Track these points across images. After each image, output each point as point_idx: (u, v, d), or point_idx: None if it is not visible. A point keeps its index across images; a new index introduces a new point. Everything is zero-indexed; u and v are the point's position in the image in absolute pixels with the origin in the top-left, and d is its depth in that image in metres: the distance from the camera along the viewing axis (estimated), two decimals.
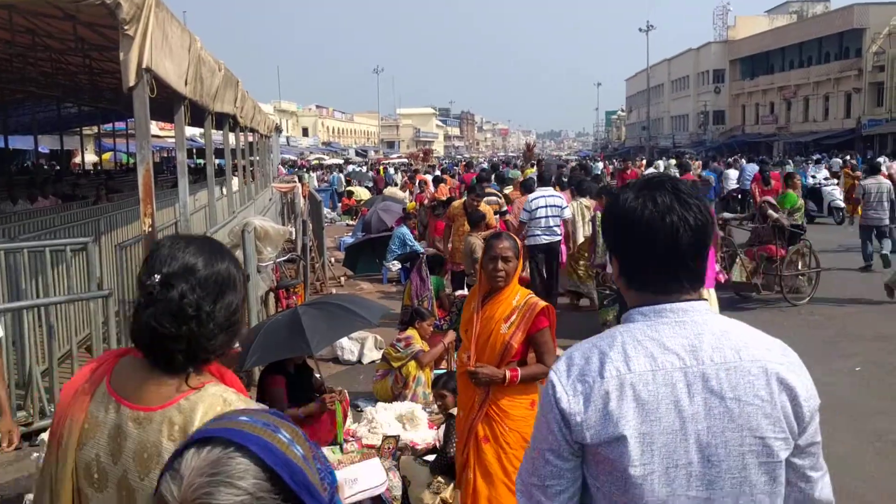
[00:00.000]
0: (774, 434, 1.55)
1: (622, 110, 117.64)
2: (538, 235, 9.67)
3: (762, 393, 1.54)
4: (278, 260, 8.10)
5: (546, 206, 9.70)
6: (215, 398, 1.58)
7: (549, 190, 10.26)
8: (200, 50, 8.37)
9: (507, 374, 3.65)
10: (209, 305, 1.58)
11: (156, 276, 1.58)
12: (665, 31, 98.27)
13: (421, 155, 46.90)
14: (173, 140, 12.01)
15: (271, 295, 8.22)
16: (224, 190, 14.11)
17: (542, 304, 3.76)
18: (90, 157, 34.28)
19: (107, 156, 34.23)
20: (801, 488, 1.63)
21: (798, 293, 10.34)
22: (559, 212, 9.82)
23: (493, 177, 16.31)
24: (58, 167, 29.27)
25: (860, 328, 8.99)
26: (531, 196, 9.99)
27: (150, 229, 6.38)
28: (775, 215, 10.24)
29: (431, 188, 17.44)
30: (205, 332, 1.57)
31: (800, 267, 10.55)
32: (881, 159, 21.84)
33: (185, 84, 7.80)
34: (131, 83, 6.17)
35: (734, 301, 10.31)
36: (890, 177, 14.59)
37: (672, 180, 1.69)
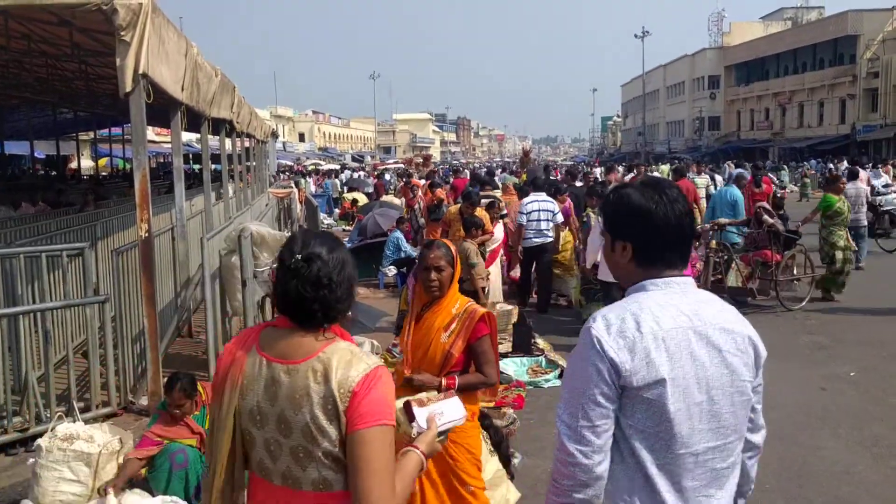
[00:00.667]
0: (749, 378, 2.04)
1: (618, 116, 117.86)
2: (530, 238, 10.27)
3: (743, 347, 2.04)
4: (275, 265, 8.08)
5: (539, 210, 10.28)
6: (344, 351, 2.08)
7: (543, 195, 10.65)
8: (197, 56, 8.39)
9: (444, 381, 3.52)
10: (336, 277, 2.09)
11: (297, 255, 2.10)
12: (660, 38, 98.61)
13: (420, 160, 46.84)
14: (170, 145, 12.01)
15: (268, 301, 8.20)
16: (220, 195, 14.12)
17: (482, 310, 3.67)
18: (86, 163, 34.24)
19: (103, 161, 34.20)
20: (752, 418, 2.13)
21: (795, 298, 10.36)
22: (550, 216, 10.35)
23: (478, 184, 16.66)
24: (54, 173, 29.25)
25: (856, 333, 9.00)
26: (525, 200, 10.55)
27: (146, 234, 6.39)
28: (770, 221, 10.27)
29: (421, 193, 17.44)
30: (334, 297, 2.09)
31: (795, 272, 10.58)
32: (811, 162, 26.62)
33: (182, 90, 7.81)
34: (128, 89, 6.20)
35: (730, 306, 10.31)
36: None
37: (665, 181, 2.17)
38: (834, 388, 7.04)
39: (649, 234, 2.05)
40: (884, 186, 20.87)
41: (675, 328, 1.96)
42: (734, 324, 2.07)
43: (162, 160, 38.69)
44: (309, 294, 2.06)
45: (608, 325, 1.95)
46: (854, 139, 52.75)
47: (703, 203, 15.57)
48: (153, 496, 4.33)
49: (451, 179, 19.89)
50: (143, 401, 6.41)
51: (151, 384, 6.30)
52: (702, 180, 18.81)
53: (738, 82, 71.35)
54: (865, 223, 13.67)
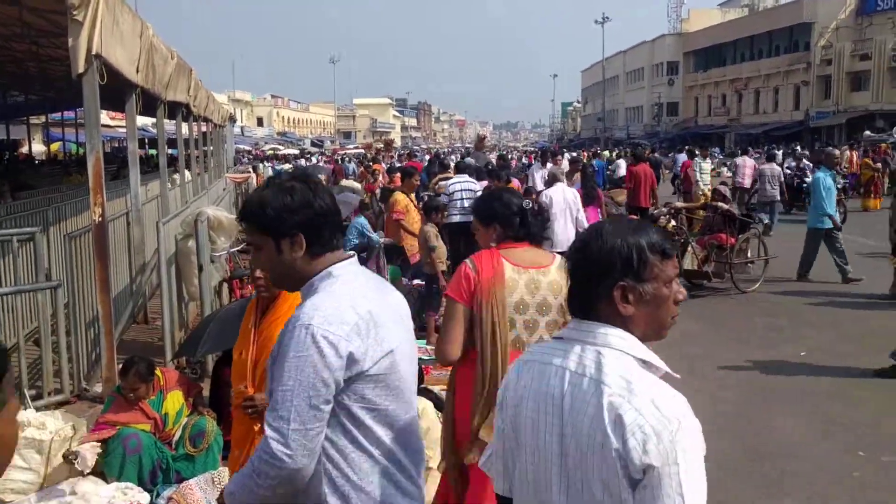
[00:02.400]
0: None
1: (578, 102, 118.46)
2: (454, 215, 10.61)
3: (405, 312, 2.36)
4: (232, 250, 8.01)
5: (462, 190, 10.87)
6: (561, 259, 3.21)
7: (465, 177, 11.39)
8: (152, 37, 8.23)
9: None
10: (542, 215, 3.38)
11: (523, 202, 3.31)
12: (621, 24, 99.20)
13: (381, 146, 46.54)
14: (124, 130, 11.79)
15: (225, 285, 8.13)
16: (177, 180, 13.91)
17: None
18: (38, 147, 33.48)
19: (55, 146, 33.49)
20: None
21: (750, 281, 10.54)
22: (472, 195, 10.72)
23: (437, 165, 17.15)
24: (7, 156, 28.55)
25: (809, 315, 9.18)
26: (449, 182, 11.54)
27: (100, 219, 6.27)
28: (725, 207, 10.45)
29: (381, 178, 17.40)
30: (544, 227, 3.44)
31: (749, 255, 10.77)
32: (779, 151, 28.82)
33: (137, 72, 7.66)
34: (80, 70, 6.05)
35: (686, 289, 10.48)
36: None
37: (305, 174, 2.28)
38: (787, 368, 7.18)
39: (317, 224, 2.07)
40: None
41: (377, 301, 2.06)
42: (392, 291, 2.27)
43: (117, 145, 37.97)
44: (537, 226, 3.27)
45: (328, 318, 1.93)
46: (808, 125, 53.73)
47: (707, 188, 16.28)
48: (107, 482, 4.29)
49: (405, 162, 20.03)
50: (98, 388, 6.31)
51: (106, 371, 6.20)
52: (708, 164, 18.61)
53: (696, 69, 72.15)
54: (778, 197, 16.91)
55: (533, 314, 3.07)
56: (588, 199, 10.78)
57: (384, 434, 2.03)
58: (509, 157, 30.16)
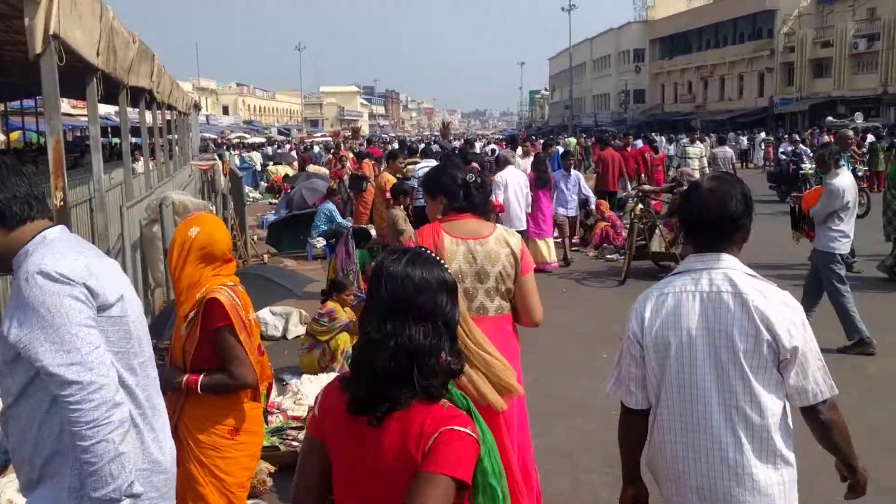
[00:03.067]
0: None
1: (546, 90, 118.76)
2: (419, 198, 10.84)
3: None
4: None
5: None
6: (500, 228, 3.41)
7: (432, 162, 11.63)
8: (113, 20, 8.06)
9: (184, 378, 3.01)
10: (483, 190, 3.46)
11: (470, 174, 3.47)
12: (587, 11, 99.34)
13: (349, 133, 46.21)
14: (86, 119, 11.56)
15: None
16: (140, 167, 13.71)
17: (219, 297, 2.98)
18: None
19: (15, 135, 32.80)
20: None
21: None
22: None
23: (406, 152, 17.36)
24: None
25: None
26: (416, 166, 12.13)
27: (61, 203, 6.15)
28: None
29: (349, 165, 17.34)
30: (487, 198, 3.50)
31: None
32: (730, 134, 31.21)
33: (98, 55, 7.51)
34: (38, 50, 5.90)
35: (654, 271, 10.60)
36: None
37: None
38: None
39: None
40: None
41: (96, 255, 2.24)
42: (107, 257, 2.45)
43: (79, 134, 37.32)
44: (480, 199, 3.46)
45: (56, 262, 2.06)
46: (772, 112, 54.43)
47: (697, 174, 15.32)
48: None
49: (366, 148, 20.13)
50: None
51: None
52: (695, 150, 17.55)
53: (662, 56, 72.69)
54: None
55: (472, 282, 3.26)
56: (540, 183, 10.92)
57: (131, 381, 2.17)
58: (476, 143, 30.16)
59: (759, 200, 18.09)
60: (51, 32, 5.79)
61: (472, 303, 3.26)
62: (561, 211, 11.97)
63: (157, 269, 7.26)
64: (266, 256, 12.54)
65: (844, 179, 7.06)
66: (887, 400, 5.97)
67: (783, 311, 2.30)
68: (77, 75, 7.80)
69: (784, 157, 20.70)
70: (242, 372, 2.96)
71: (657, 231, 10.53)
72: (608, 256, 12.26)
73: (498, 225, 3.51)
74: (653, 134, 24.46)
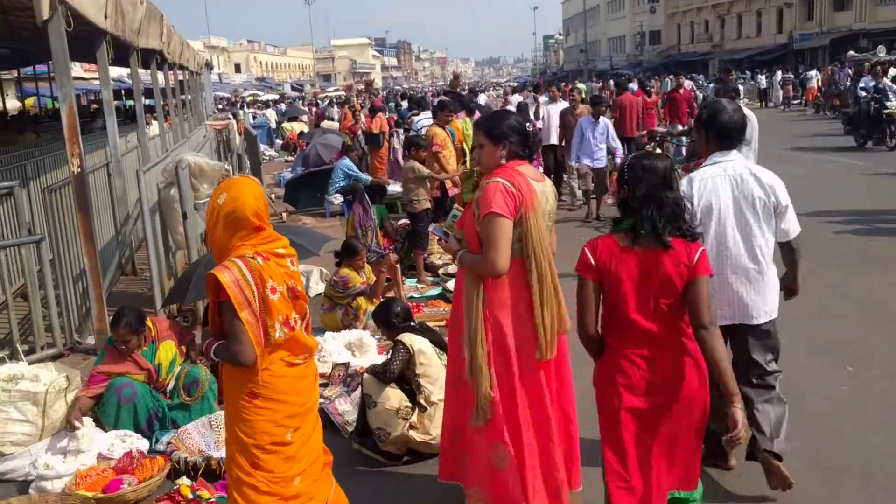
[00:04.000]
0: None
1: (559, 34, 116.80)
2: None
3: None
4: None
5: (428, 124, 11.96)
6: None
7: (428, 113, 12.66)
8: None
9: (206, 343, 3.18)
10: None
11: (528, 123, 3.71)
12: None
13: (362, 87, 45.73)
14: (98, 81, 11.53)
15: None
16: (155, 129, 13.71)
17: (215, 271, 2.93)
18: (12, 103, 32.84)
19: (30, 101, 32.84)
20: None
21: None
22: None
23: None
24: None
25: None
26: (416, 118, 12.92)
27: (78, 170, 6.18)
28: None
29: (364, 121, 17.20)
30: (532, 141, 3.73)
31: None
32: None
33: (105, 17, 7.46)
34: (45, 16, 5.88)
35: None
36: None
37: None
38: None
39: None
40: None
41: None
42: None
43: (92, 98, 37.26)
44: (534, 148, 3.67)
45: None
46: (791, 48, 53.23)
47: None
48: (105, 431, 4.31)
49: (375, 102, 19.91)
50: (90, 340, 6.31)
51: (97, 322, 6.19)
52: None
53: None
54: None
55: (547, 220, 3.48)
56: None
57: None
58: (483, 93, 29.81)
59: (830, 148, 16.89)
60: None
61: (550, 238, 3.51)
62: (586, 161, 10.98)
63: (176, 232, 7.30)
64: (284, 215, 12.56)
65: None
66: None
67: (778, 182, 3.76)
68: (87, 39, 7.75)
69: (864, 93, 17.04)
70: (235, 349, 2.91)
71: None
72: None
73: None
74: (680, 77, 22.53)
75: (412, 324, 4.60)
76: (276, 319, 2.95)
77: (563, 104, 13.03)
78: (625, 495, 2.96)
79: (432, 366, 4.24)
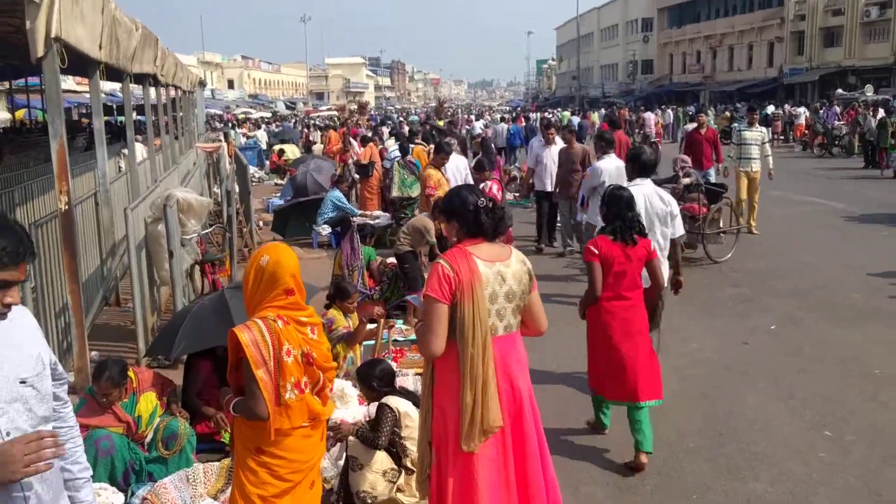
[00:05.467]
0: None
1: (553, 59, 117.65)
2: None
3: None
4: (203, 232, 7.92)
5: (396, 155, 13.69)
6: (515, 249, 3.58)
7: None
8: (115, 11, 8.01)
9: (227, 398, 3.33)
10: (500, 211, 3.53)
11: (481, 199, 3.45)
12: None
13: (355, 107, 45.72)
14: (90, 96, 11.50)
15: (196, 268, 8.06)
16: (144, 151, 13.67)
17: (236, 330, 3.16)
18: (3, 115, 32.78)
19: (20, 113, 32.79)
20: None
21: (722, 251, 10.62)
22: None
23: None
24: None
25: (780, 284, 9.30)
26: (390, 148, 14.31)
27: (66, 207, 6.16)
28: (686, 181, 10.53)
29: (356, 149, 17.24)
30: (504, 222, 3.59)
31: (721, 225, 10.84)
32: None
33: (100, 48, 7.47)
34: (40, 54, 5.88)
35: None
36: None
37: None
38: (755, 342, 7.28)
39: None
40: None
41: None
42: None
43: (84, 111, 37.22)
44: (498, 221, 3.46)
45: None
46: (782, 82, 53.85)
47: (756, 167, 12.40)
48: None
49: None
50: (70, 377, 6.25)
51: (77, 360, 6.14)
52: (755, 134, 12.69)
53: (670, 25, 71.81)
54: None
55: (502, 303, 3.40)
56: (479, 168, 10.89)
57: None
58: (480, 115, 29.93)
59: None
60: (52, 35, 5.78)
61: (502, 321, 3.41)
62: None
63: (161, 268, 7.29)
64: None
65: None
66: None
67: (672, 200, 5.82)
68: (80, 60, 7.76)
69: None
70: (250, 404, 3.12)
71: None
72: None
73: (512, 248, 3.57)
74: (701, 116, 22.56)
75: (393, 388, 4.60)
76: (288, 381, 3.14)
77: (560, 145, 11.63)
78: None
79: (417, 428, 4.23)
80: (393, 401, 4.31)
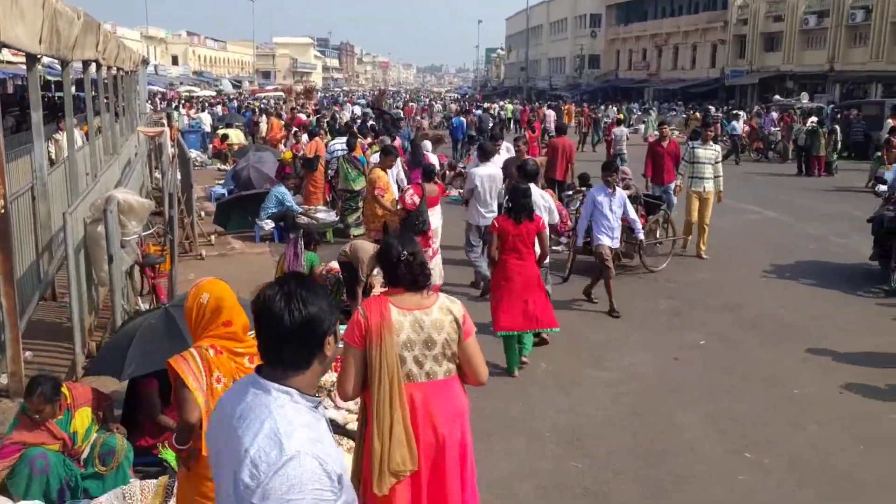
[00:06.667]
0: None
1: (502, 49, 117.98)
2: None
3: None
4: (144, 234, 7.83)
5: (339, 149, 14.25)
6: (443, 298, 3.59)
7: (343, 139, 14.59)
8: (56, 3, 7.83)
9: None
10: (422, 259, 3.63)
11: (404, 252, 3.55)
12: None
13: (300, 90, 45.18)
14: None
15: (136, 268, 7.96)
16: (87, 138, 13.36)
17: (170, 360, 3.44)
18: None
19: None
20: None
21: (658, 261, 10.88)
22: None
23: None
24: None
25: (713, 298, 9.55)
26: (331, 144, 14.88)
27: (2, 210, 6.04)
28: (628, 192, 10.77)
29: (305, 142, 17.16)
30: (426, 274, 3.60)
31: (658, 235, 11.10)
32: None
33: (40, 42, 7.31)
34: None
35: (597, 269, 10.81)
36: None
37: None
38: (686, 358, 7.47)
39: None
40: None
41: None
42: None
43: (20, 82, 35.91)
44: (420, 274, 3.54)
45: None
46: (723, 83, 55.07)
47: (710, 186, 11.60)
48: (13, 501, 4.25)
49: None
50: (3, 379, 6.18)
51: (11, 364, 6.06)
52: (709, 152, 11.74)
53: (618, 22, 72.71)
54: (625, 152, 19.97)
55: (420, 350, 3.48)
56: (415, 164, 12.53)
57: None
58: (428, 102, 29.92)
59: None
60: None
61: (422, 368, 3.49)
62: (605, 241, 8.95)
63: (101, 269, 7.19)
64: (213, 237, 12.43)
65: None
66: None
67: (549, 198, 8.34)
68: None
69: (884, 188, 11.94)
70: (183, 414, 3.31)
71: None
72: (553, 248, 12.29)
73: (440, 293, 3.64)
74: (664, 127, 23.30)
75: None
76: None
77: (504, 157, 11.03)
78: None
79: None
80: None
